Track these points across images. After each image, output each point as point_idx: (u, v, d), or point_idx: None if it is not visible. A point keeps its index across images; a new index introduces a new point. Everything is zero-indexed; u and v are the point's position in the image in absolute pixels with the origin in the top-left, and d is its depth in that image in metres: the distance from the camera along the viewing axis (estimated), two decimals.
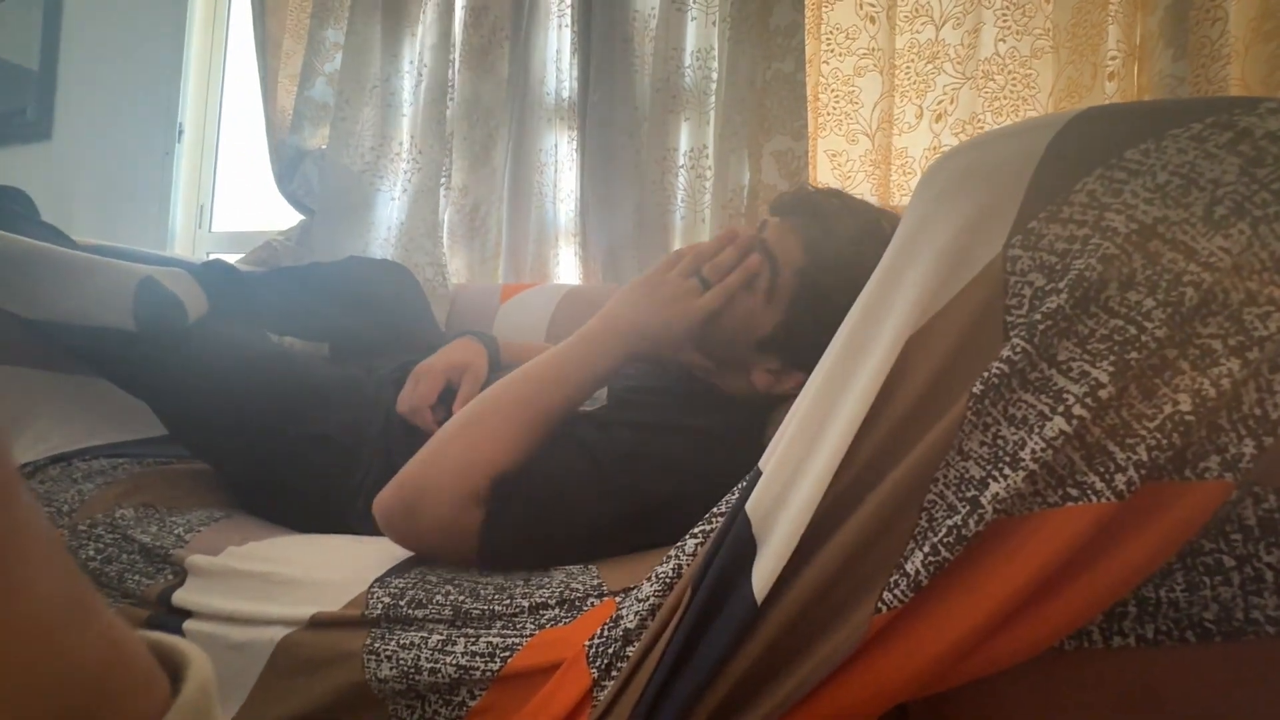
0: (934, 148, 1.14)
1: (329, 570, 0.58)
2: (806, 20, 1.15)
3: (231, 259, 1.44)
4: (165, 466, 0.88)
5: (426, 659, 0.48)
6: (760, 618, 0.35)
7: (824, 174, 1.19)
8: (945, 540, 0.32)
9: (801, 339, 0.64)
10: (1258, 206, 0.30)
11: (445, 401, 0.77)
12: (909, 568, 0.32)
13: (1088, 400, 0.30)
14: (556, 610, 0.50)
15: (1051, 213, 0.33)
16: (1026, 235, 0.34)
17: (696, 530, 0.45)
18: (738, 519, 0.39)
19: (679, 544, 0.45)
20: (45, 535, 0.19)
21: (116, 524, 0.71)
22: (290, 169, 1.59)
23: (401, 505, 0.58)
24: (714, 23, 1.25)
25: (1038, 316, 0.32)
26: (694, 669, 0.37)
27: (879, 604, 0.32)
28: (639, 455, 0.61)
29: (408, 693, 0.48)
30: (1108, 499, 0.30)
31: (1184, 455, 0.30)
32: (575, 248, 1.41)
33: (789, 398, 0.48)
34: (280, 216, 1.68)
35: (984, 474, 0.32)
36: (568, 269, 1.43)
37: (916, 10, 1.15)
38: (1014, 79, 1.09)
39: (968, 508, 0.32)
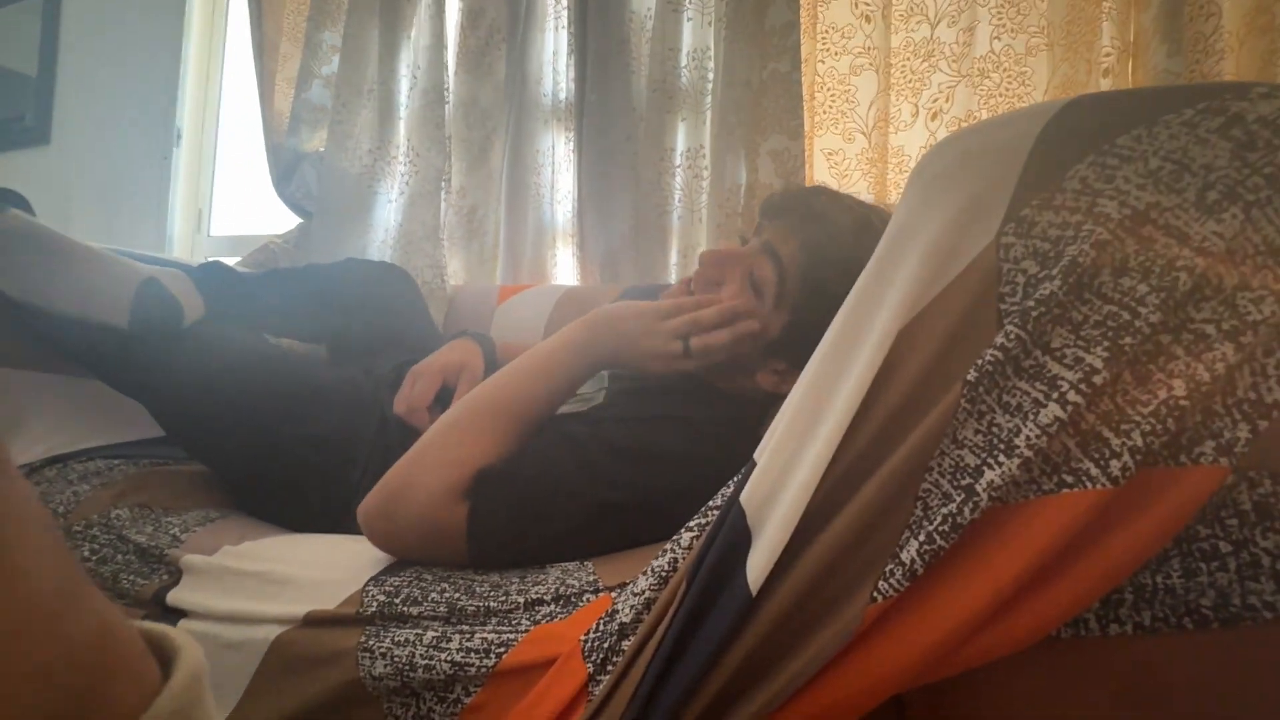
0: (930, 145, 1.14)
1: (324, 569, 0.58)
2: (802, 19, 1.16)
3: (230, 262, 1.44)
4: (162, 467, 0.88)
5: (421, 656, 0.47)
6: (755, 609, 0.35)
7: (820, 173, 1.19)
8: (940, 529, 0.31)
9: (808, 339, 0.64)
10: (1250, 191, 0.30)
11: (442, 402, 0.77)
12: (904, 557, 0.32)
13: (1082, 386, 0.30)
14: (552, 606, 0.50)
15: (1044, 200, 0.33)
16: (1019, 223, 0.33)
17: (692, 524, 0.45)
18: (732, 510, 0.39)
19: (675, 538, 0.45)
20: (39, 521, 0.19)
21: (112, 524, 0.71)
22: (288, 172, 1.59)
23: (379, 507, 0.58)
24: (710, 23, 1.25)
25: (1031, 303, 0.32)
26: (689, 661, 0.36)
27: (874, 593, 0.32)
28: (628, 448, 0.61)
29: (402, 690, 0.48)
30: (1103, 485, 0.30)
31: (1179, 440, 0.30)
32: (573, 248, 1.41)
33: None
34: (278, 220, 1.68)
35: (979, 462, 0.32)
36: (565, 269, 1.43)
37: (912, 9, 1.15)
38: (1009, 76, 1.09)
39: (963, 496, 0.31)
